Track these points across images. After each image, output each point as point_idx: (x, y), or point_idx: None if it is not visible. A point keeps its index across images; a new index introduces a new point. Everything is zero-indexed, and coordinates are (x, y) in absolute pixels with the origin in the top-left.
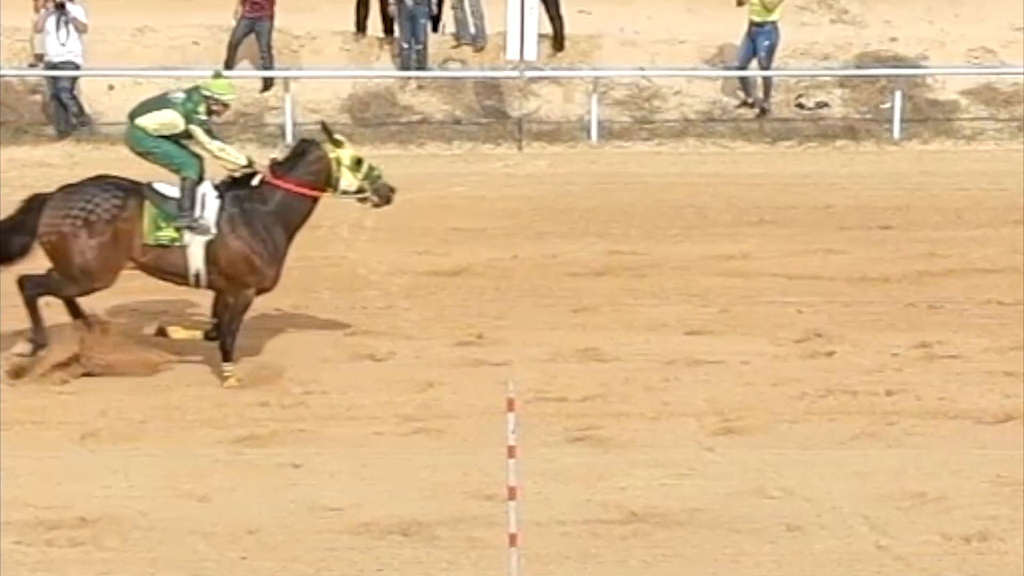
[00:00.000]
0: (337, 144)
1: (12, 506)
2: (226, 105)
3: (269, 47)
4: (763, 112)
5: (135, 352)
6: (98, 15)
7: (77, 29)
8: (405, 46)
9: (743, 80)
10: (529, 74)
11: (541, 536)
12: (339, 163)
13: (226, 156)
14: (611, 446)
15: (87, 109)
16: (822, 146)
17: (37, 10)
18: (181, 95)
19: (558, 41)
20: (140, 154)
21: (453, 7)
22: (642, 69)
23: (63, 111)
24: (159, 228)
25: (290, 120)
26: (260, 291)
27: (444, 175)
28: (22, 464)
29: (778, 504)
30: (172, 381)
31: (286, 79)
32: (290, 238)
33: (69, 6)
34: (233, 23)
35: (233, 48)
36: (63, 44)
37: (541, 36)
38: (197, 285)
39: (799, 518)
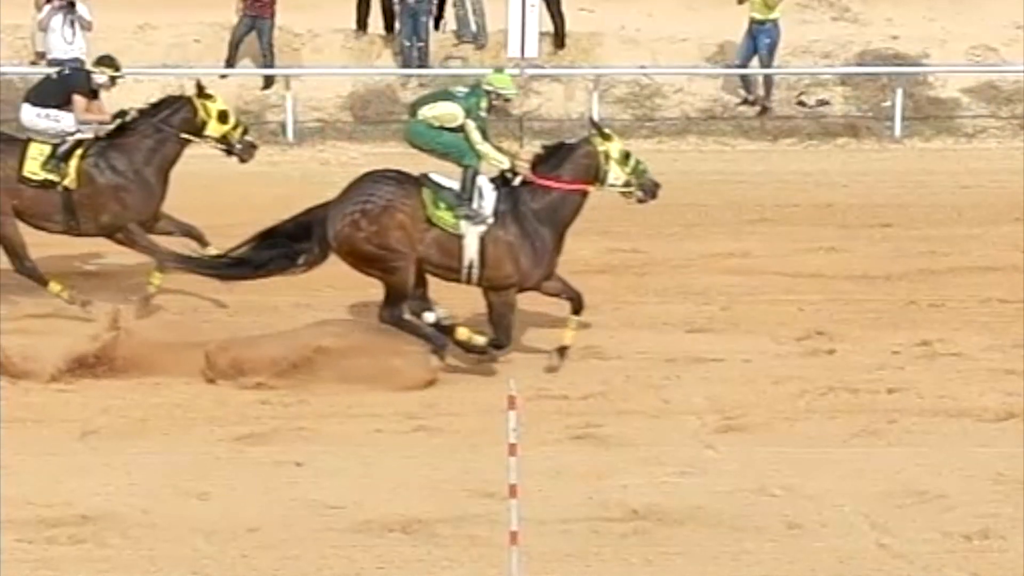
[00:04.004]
0: (606, 138)
1: (13, 504)
2: (507, 100)
3: (270, 45)
4: (764, 110)
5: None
6: (99, 13)
7: (83, 27)
8: (406, 44)
9: (744, 78)
10: (530, 72)
11: (542, 534)
12: (607, 157)
13: (490, 158)
14: (612, 444)
15: None
16: (823, 144)
17: (39, 8)
18: (464, 90)
19: (559, 39)
20: (419, 147)
21: (454, 5)
22: (643, 67)
23: None
24: (437, 209)
25: (291, 118)
26: (522, 289)
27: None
28: (23, 462)
29: (779, 502)
30: (172, 379)
31: (287, 77)
32: (561, 235)
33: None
34: (235, 20)
35: (234, 46)
36: (70, 43)
37: (542, 34)
38: (468, 280)
39: (800, 516)
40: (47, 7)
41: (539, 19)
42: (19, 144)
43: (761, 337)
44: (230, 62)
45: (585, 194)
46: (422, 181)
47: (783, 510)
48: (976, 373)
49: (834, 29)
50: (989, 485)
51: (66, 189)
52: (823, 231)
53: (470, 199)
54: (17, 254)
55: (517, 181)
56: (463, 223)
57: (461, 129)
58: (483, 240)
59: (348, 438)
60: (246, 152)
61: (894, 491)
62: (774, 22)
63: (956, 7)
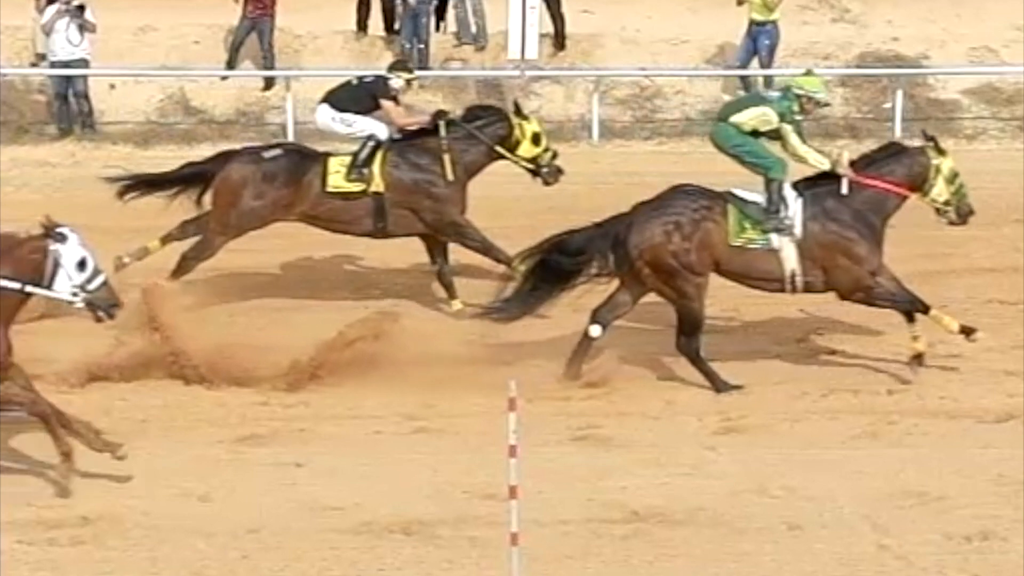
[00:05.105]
0: (941, 153)
1: (13, 505)
2: (819, 103)
3: (271, 46)
4: None
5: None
6: (99, 14)
7: (87, 29)
8: (407, 45)
9: (744, 79)
10: (530, 73)
11: (542, 535)
12: (938, 171)
13: (812, 159)
14: (613, 445)
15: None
16: (824, 145)
17: (39, 9)
18: (776, 94)
19: (559, 40)
20: (724, 151)
21: (455, 6)
22: (643, 68)
23: (67, 110)
24: (744, 230)
25: (291, 119)
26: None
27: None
28: (24, 463)
29: (779, 503)
30: (172, 381)
31: (287, 78)
32: (879, 230)
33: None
34: (235, 22)
35: (235, 48)
36: (75, 44)
37: (542, 35)
38: (792, 288)
39: (800, 517)
40: (51, 9)
41: (539, 20)
42: (320, 158)
43: (761, 338)
44: (231, 64)
45: (904, 199)
46: (727, 198)
47: (784, 511)
48: (976, 374)
49: (834, 30)
50: (989, 486)
51: (376, 194)
52: None
53: (777, 211)
54: (203, 257)
55: (844, 185)
56: (774, 236)
57: (775, 133)
58: (805, 246)
59: (348, 439)
60: (552, 176)
61: (894, 492)
62: (774, 23)
63: (956, 8)
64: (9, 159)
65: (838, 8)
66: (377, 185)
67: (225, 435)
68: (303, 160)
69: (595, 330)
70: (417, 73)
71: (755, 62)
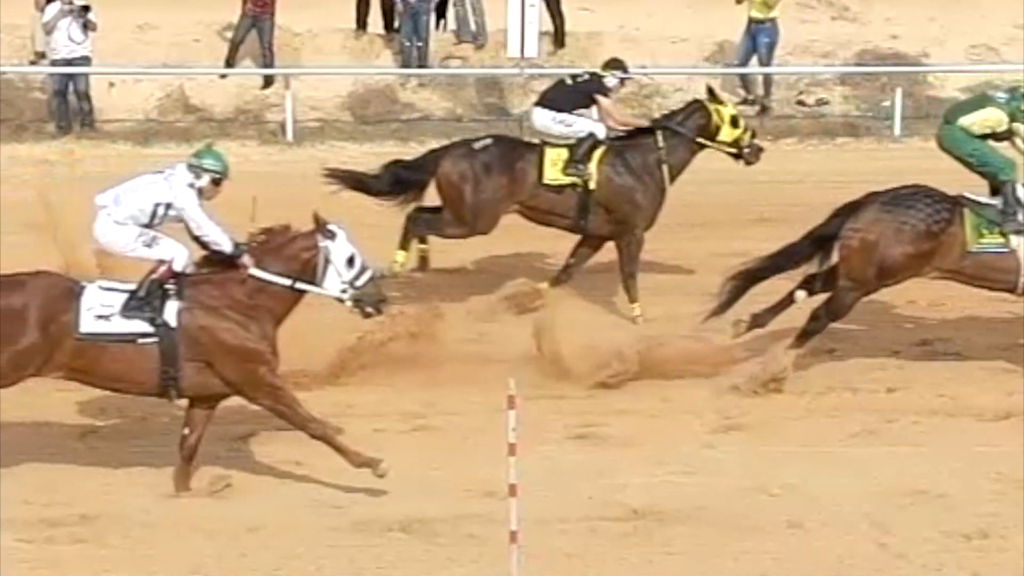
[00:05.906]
0: None
1: (13, 504)
2: None
3: (270, 44)
4: (764, 109)
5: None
6: (99, 12)
7: (89, 28)
8: (406, 43)
9: (743, 77)
10: (530, 71)
11: (542, 533)
12: None
13: None
14: (612, 444)
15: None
16: (823, 143)
17: (39, 8)
18: (1003, 95)
19: (559, 38)
20: (953, 155)
21: (454, 4)
22: (643, 67)
23: (66, 108)
24: (982, 236)
25: (291, 117)
26: None
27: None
28: (23, 461)
29: (779, 501)
30: None
31: (287, 76)
32: None
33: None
34: (235, 20)
35: (236, 46)
36: (78, 43)
37: (542, 33)
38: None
39: (800, 515)
40: (52, 7)
41: (539, 18)
42: (534, 148)
43: (760, 336)
44: (230, 62)
45: None
46: (963, 202)
47: (783, 509)
48: (976, 372)
49: (833, 28)
50: (989, 484)
51: (586, 189)
52: None
53: (1015, 212)
54: (434, 234)
55: None
56: (1013, 238)
57: (1006, 135)
58: None
59: (348, 437)
60: (753, 155)
61: (894, 490)
62: (773, 21)
63: (955, 7)
64: (8, 157)
65: (837, 6)
66: (592, 182)
67: (224, 432)
68: (515, 149)
69: (800, 295)
70: (631, 72)
71: (754, 60)
